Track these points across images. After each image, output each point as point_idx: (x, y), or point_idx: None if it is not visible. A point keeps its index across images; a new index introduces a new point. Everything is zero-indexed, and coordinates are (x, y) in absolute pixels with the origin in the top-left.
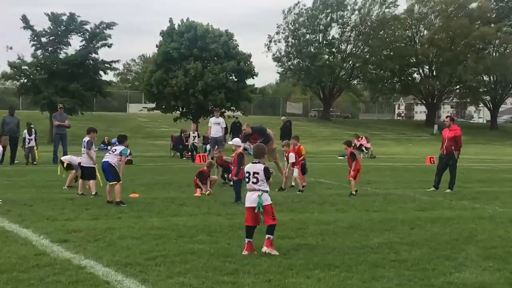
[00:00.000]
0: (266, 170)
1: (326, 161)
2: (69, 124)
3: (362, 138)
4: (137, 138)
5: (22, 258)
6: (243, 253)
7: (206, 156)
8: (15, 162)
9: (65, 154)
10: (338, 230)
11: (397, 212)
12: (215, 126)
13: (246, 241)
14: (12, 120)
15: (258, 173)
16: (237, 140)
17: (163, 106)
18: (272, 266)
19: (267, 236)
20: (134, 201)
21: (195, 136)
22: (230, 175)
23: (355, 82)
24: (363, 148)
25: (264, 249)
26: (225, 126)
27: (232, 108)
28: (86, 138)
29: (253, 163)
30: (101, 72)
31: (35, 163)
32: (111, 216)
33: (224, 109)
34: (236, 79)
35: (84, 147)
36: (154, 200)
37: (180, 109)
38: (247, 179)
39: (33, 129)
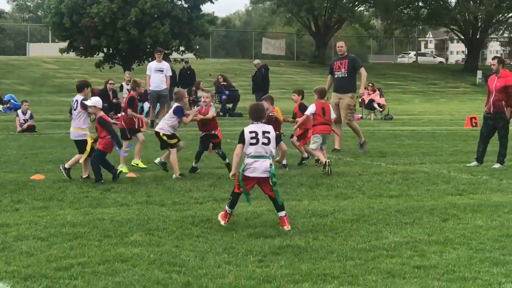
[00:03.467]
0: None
1: None
2: None
3: (376, 90)
4: (42, 93)
5: None
6: (222, 223)
7: (143, 119)
8: None
9: None
10: (338, 224)
11: (423, 197)
12: (156, 74)
13: (229, 211)
14: None
15: (269, 132)
16: (97, 101)
17: (79, 46)
18: (241, 278)
19: (283, 213)
20: (38, 185)
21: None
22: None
23: (361, 8)
24: (375, 105)
25: (288, 227)
26: (170, 74)
27: (181, 47)
28: (78, 97)
29: (255, 123)
30: None
31: None
32: (5, 207)
33: (169, 50)
34: (186, 5)
35: (74, 109)
36: (66, 183)
37: (105, 50)
38: (253, 140)
39: None
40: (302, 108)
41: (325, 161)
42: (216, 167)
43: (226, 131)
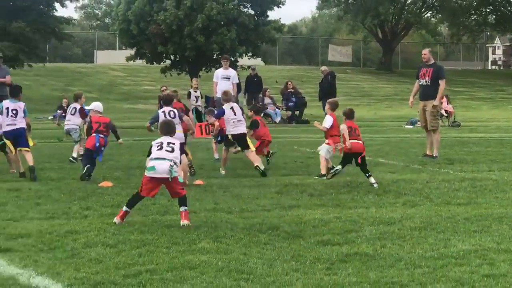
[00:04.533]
0: (182, 145)
1: (387, 132)
2: (10, 80)
3: (443, 97)
4: (109, 100)
5: None
6: (114, 220)
7: (210, 126)
8: None
9: None
10: (405, 232)
11: (492, 205)
12: (223, 81)
13: (124, 209)
14: None
15: (174, 144)
16: (96, 105)
17: (146, 53)
18: (309, 285)
19: (184, 208)
20: (106, 192)
21: (198, 97)
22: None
23: (428, 15)
24: (442, 112)
25: (185, 222)
26: (237, 81)
27: (248, 54)
28: (174, 109)
29: (163, 137)
30: (56, 4)
31: None
32: (74, 214)
33: (236, 56)
34: (253, 12)
35: (170, 116)
36: (134, 191)
37: (171, 57)
38: (158, 147)
39: None
40: (253, 124)
41: (325, 173)
42: (283, 175)
43: (292, 138)
